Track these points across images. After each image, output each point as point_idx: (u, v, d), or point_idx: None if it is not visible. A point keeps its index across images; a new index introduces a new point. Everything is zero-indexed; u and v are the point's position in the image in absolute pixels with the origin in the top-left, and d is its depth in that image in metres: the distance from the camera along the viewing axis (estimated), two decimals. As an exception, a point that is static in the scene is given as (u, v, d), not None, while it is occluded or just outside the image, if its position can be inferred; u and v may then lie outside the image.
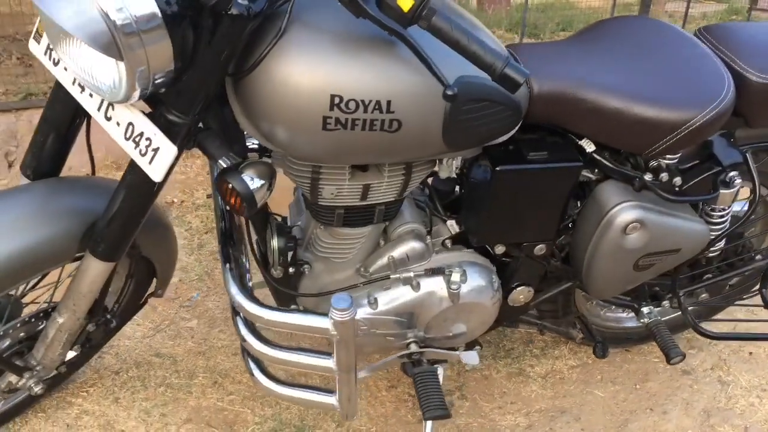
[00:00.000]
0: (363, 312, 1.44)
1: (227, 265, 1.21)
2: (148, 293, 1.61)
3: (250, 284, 1.33)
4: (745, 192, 1.53)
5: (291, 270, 1.42)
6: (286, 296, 1.50)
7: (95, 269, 1.23)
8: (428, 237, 1.45)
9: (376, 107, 1.07)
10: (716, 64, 1.37)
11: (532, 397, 1.87)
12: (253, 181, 1.13)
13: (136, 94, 0.97)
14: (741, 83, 1.37)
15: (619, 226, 1.39)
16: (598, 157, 1.40)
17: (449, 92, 0.97)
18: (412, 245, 1.43)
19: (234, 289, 1.17)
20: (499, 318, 1.64)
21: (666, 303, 1.70)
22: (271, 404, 1.75)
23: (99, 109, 1.09)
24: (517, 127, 1.31)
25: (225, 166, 1.12)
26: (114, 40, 0.89)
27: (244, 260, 1.28)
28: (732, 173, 1.45)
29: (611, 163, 1.40)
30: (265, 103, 1.08)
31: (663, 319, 1.69)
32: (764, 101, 1.39)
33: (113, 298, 1.52)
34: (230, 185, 1.10)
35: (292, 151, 1.16)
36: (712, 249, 1.63)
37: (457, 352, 1.56)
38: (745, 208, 1.57)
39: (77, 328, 1.34)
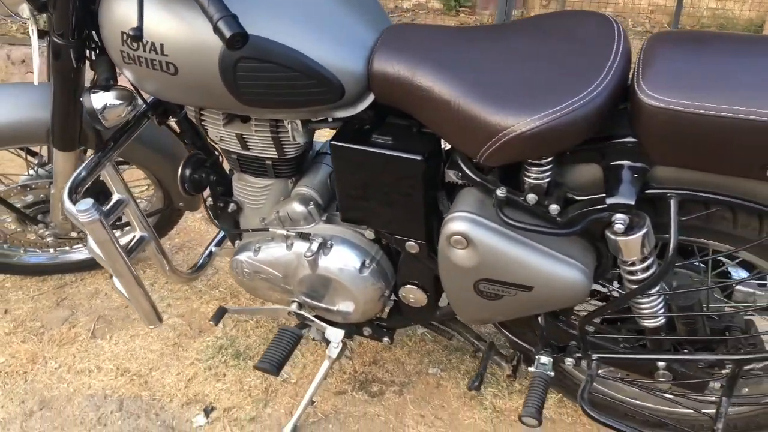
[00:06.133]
0: (245, 256, 1.56)
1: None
2: (165, 206, 1.97)
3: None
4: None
5: (210, 201, 1.62)
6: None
7: (58, 155, 1.62)
8: (312, 203, 1.47)
9: (152, 48, 1.19)
10: (598, 74, 1.07)
11: (465, 424, 1.69)
12: (106, 101, 1.36)
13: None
14: (634, 104, 1.05)
15: (444, 235, 1.22)
16: (456, 157, 1.24)
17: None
18: (294, 207, 1.48)
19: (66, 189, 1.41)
20: (405, 315, 1.57)
21: (571, 360, 1.36)
22: (243, 329, 1.97)
23: (30, 26, 1.45)
24: (361, 105, 1.26)
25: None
26: None
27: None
28: (619, 216, 1.11)
29: (466, 167, 1.23)
30: (101, 35, 1.30)
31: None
32: (658, 131, 1.03)
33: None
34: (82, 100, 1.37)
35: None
36: (651, 316, 1.26)
37: (326, 325, 1.55)
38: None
39: (70, 201, 1.77)
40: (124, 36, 1.22)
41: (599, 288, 1.42)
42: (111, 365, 1.84)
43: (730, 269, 1.40)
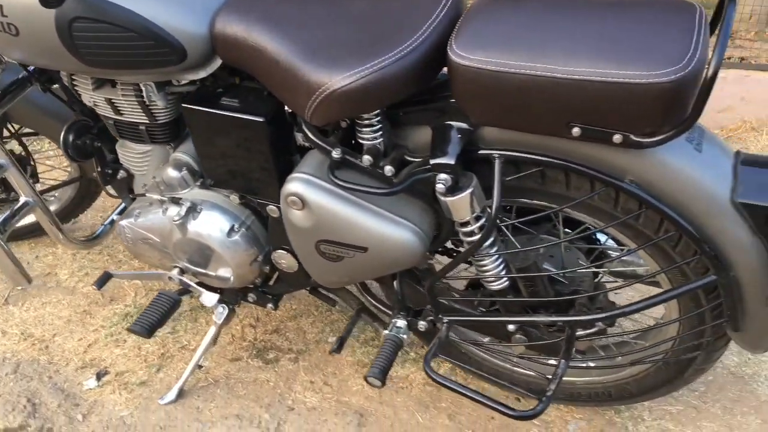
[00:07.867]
0: (127, 222, 1.58)
1: None
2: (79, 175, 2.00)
3: None
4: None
5: (99, 166, 1.64)
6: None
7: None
8: (185, 169, 1.48)
9: (-6, 10, 1.22)
10: (413, 33, 1.07)
11: (352, 390, 1.71)
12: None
13: None
14: (447, 63, 1.05)
15: (282, 196, 1.24)
16: (299, 119, 1.25)
17: None
18: (168, 172, 1.49)
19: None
20: (283, 281, 1.59)
21: (424, 324, 1.37)
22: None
23: None
24: (210, 67, 1.27)
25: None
26: None
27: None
28: (441, 176, 1.12)
29: (306, 128, 1.23)
30: None
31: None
32: (464, 90, 1.03)
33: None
34: (-50, 65, 1.39)
35: None
36: (493, 279, 1.27)
37: (202, 290, 1.57)
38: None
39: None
40: None
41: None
42: (17, 330, 1.88)
43: (599, 236, 1.40)
